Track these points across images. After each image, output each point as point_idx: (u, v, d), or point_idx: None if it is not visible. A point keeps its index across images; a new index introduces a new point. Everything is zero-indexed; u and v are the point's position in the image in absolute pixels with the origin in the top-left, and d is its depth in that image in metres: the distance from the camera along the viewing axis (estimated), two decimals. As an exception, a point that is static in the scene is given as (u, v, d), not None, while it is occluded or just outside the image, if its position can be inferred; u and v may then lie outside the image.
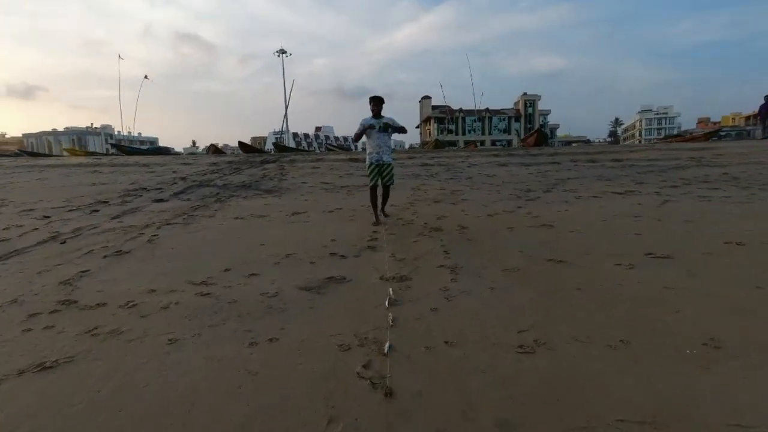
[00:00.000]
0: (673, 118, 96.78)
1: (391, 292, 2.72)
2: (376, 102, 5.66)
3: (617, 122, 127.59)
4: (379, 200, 5.49)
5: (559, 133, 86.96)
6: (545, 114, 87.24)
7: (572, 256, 3.37)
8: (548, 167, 9.70)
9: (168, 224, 5.11)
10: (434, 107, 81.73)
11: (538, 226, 4.62)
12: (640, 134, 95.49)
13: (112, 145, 36.50)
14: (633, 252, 3.37)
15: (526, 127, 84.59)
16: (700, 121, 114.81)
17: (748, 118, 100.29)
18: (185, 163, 13.07)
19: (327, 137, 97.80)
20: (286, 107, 42.53)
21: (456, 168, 9.96)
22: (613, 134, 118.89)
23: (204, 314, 2.42)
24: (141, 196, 7.30)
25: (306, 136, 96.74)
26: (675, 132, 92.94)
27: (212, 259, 3.63)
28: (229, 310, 2.48)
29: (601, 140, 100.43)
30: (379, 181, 5.42)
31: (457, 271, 3.14)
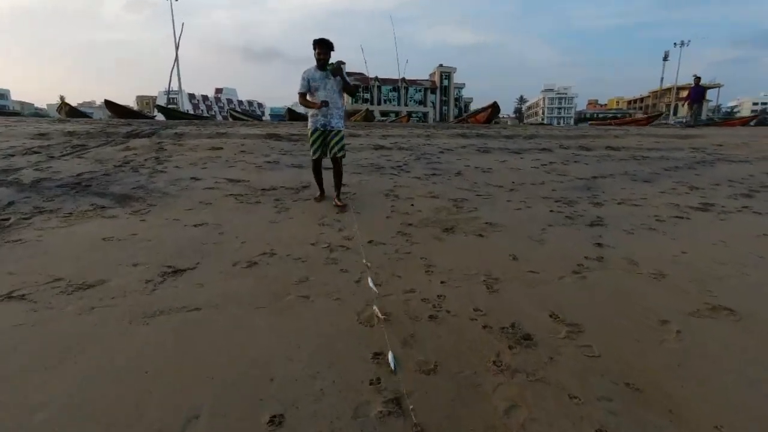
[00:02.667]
0: (572, 98, 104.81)
1: None
2: (322, 47, 4.18)
3: (522, 100, 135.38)
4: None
5: (473, 107, 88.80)
6: (460, 87, 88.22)
7: None
8: (544, 156, 7.43)
9: None
10: (348, 74, 77.78)
11: (711, 315, 2.13)
12: (543, 112, 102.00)
13: None
14: None
15: (442, 100, 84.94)
16: (589, 103, 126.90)
17: (629, 102, 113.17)
18: None
19: (230, 101, 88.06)
20: (176, 56, 34.89)
21: (427, 155, 7.21)
22: (518, 111, 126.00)
23: None
24: None
25: (205, 98, 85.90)
26: (575, 110, 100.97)
27: None
28: None
29: (506, 117, 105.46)
30: (325, 154, 4.35)
31: None
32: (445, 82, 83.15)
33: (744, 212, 4.32)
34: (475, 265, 2.90)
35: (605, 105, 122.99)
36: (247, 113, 31.79)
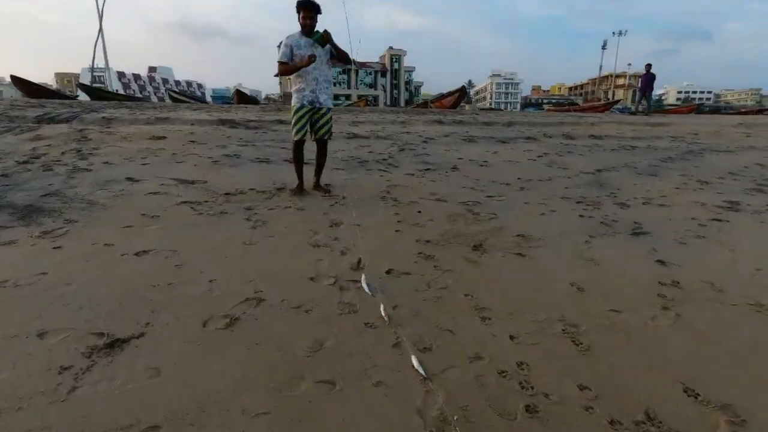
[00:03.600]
0: (518, 83, 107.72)
1: None
2: (308, 10, 3.46)
3: (470, 84, 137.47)
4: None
5: (424, 90, 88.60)
6: (410, 71, 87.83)
7: None
8: (534, 147, 6.90)
9: None
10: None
11: None
12: (491, 97, 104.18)
13: None
14: None
15: (392, 83, 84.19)
16: (533, 89, 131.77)
17: (570, 89, 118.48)
18: None
19: (165, 81, 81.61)
20: (100, 27, 30.73)
21: (411, 146, 6.41)
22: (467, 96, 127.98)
23: None
24: None
25: (136, 77, 78.95)
26: (520, 95, 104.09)
27: None
28: None
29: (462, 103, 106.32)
30: (310, 135, 3.78)
31: None
32: (396, 65, 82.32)
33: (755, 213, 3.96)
34: (538, 302, 2.19)
35: (548, 91, 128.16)
36: (189, 95, 28.99)
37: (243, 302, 2.06)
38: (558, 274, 2.54)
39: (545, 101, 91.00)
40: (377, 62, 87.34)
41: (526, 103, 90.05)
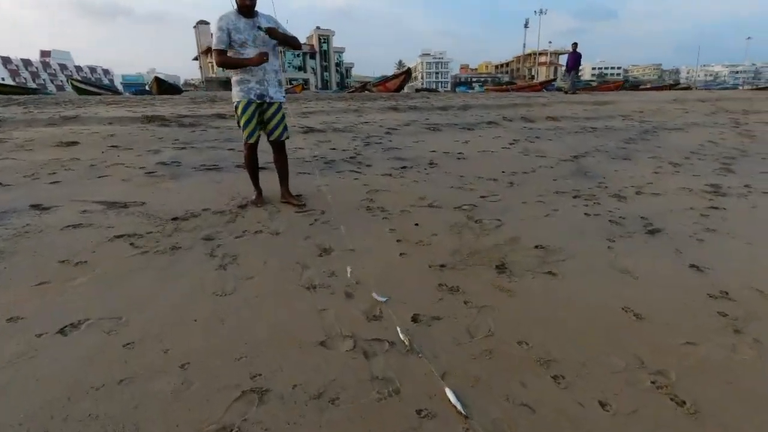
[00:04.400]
0: (447, 62, 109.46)
1: None
2: None
3: (401, 64, 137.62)
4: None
5: (355, 72, 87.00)
6: (340, 52, 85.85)
7: None
8: (502, 133, 6.64)
9: None
10: (206, 35, 70.26)
11: None
12: (422, 77, 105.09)
13: None
14: None
15: (322, 65, 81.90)
16: (462, 67, 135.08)
17: (496, 67, 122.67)
18: None
19: (63, 67, 72.64)
20: None
21: (374, 138, 5.85)
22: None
23: None
24: None
25: (27, 63, 69.54)
26: (450, 75, 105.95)
27: None
28: None
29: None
30: (260, 135, 3.19)
31: None
32: (324, 47, 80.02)
33: (755, 193, 3.98)
34: (602, 342, 1.82)
35: (476, 69, 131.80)
36: (97, 84, 25.66)
37: (239, 399, 1.46)
38: (602, 296, 2.20)
39: (474, 80, 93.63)
40: (304, 43, 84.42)
41: (457, 82, 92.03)
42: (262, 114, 3.11)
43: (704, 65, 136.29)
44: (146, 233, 2.72)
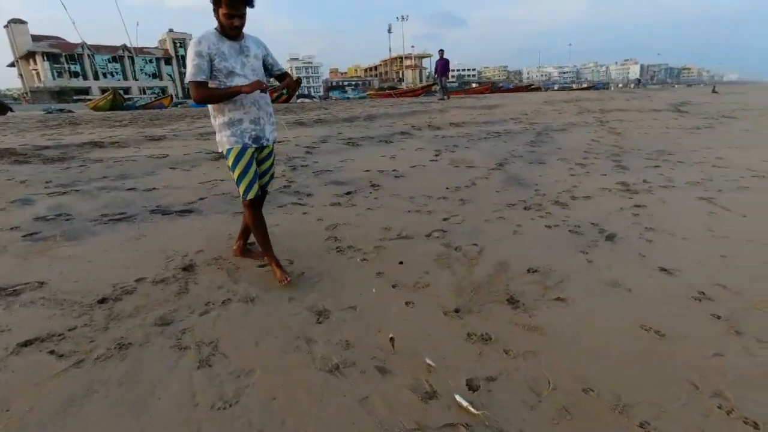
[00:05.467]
0: (317, 67, 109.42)
1: None
2: (234, 5, 2.18)
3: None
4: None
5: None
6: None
7: None
8: (421, 144, 6.70)
9: None
10: (38, 37, 59.68)
11: None
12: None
13: None
14: None
15: (181, 72, 75.36)
16: (331, 71, 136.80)
17: (366, 70, 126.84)
18: None
19: None
20: None
21: (299, 160, 5.39)
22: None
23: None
24: None
25: None
26: (321, 79, 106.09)
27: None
28: None
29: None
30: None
31: None
32: (181, 51, 73.79)
33: (655, 188, 4.63)
34: (651, 374, 1.85)
35: (345, 73, 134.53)
36: None
37: None
38: (616, 317, 2.27)
39: (346, 83, 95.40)
40: (157, 47, 76.87)
41: (329, 87, 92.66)
42: (259, 158, 2.56)
43: (539, 66, 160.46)
44: (68, 331, 2.00)
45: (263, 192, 2.66)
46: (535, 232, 3.38)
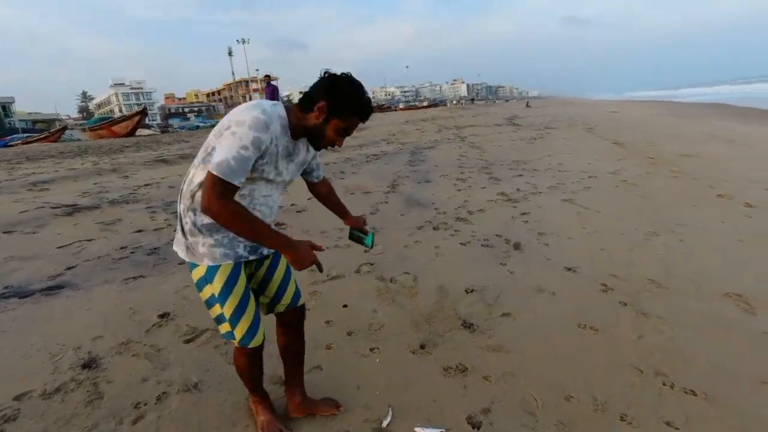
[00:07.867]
0: (150, 93, 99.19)
1: None
2: (355, 122, 1.46)
3: (86, 96, 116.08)
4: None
5: (20, 109, 67.67)
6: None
7: None
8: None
9: None
10: None
11: None
12: (121, 110, 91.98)
13: None
14: None
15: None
16: (167, 97, 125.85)
17: (208, 95, 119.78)
18: None
19: None
20: None
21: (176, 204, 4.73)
22: (84, 110, 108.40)
23: None
24: None
25: None
26: (157, 106, 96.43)
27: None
28: None
29: (69, 117, 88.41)
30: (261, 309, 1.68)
31: None
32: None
33: (529, 195, 5.37)
34: (626, 372, 2.12)
35: (184, 98, 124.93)
36: None
37: None
38: (556, 321, 2.54)
39: (188, 110, 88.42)
40: None
41: (168, 114, 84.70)
42: (251, 277, 1.65)
43: (382, 87, 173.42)
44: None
45: (298, 310, 1.80)
46: (453, 251, 3.60)
